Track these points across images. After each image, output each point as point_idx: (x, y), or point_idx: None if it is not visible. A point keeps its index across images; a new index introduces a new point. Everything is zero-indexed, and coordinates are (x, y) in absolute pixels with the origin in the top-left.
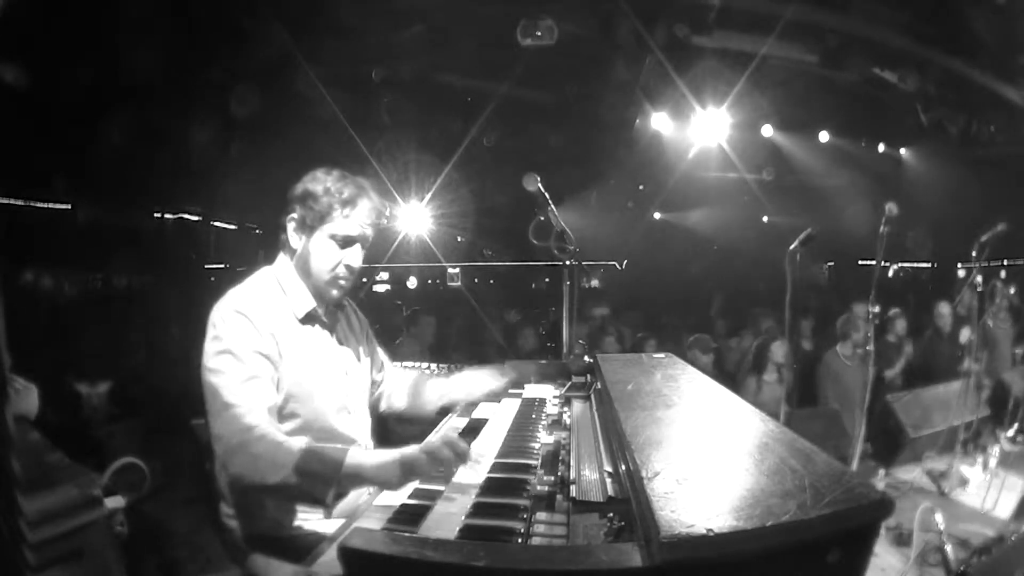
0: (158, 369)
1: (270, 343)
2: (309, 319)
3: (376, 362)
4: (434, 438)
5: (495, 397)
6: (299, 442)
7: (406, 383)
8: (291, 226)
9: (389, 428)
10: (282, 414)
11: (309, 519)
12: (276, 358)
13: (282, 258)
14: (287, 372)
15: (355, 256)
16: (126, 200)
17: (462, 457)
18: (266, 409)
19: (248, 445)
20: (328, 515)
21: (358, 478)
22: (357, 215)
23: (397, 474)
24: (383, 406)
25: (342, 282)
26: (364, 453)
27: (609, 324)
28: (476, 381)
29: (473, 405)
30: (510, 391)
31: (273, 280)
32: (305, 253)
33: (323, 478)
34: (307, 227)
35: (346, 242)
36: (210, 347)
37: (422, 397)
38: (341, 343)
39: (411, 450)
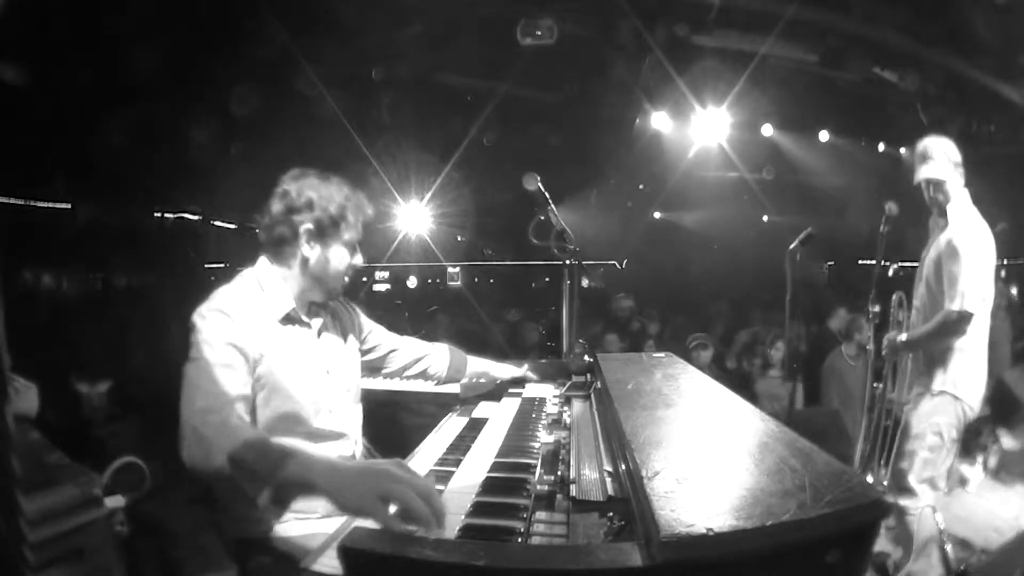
0: (158, 369)
1: (246, 339)
2: (288, 319)
3: (377, 338)
4: (416, 480)
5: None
6: (247, 432)
7: (443, 353)
8: (304, 236)
9: (382, 425)
10: (263, 413)
11: (305, 519)
12: (252, 354)
13: (263, 260)
14: (266, 372)
15: (360, 256)
16: (126, 200)
17: (436, 517)
18: (235, 397)
19: (201, 428)
20: (275, 518)
21: (306, 487)
22: (363, 220)
23: (358, 500)
24: (413, 372)
25: (347, 279)
26: (318, 460)
27: (635, 317)
28: (506, 368)
29: (473, 404)
30: (510, 391)
31: (254, 281)
32: (323, 262)
33: (257, 475)
34: (324, 237)
35: (356, 246)
36: (192, 342)
37: (462, 371)
38: (323, 342)
39: (385, 478)
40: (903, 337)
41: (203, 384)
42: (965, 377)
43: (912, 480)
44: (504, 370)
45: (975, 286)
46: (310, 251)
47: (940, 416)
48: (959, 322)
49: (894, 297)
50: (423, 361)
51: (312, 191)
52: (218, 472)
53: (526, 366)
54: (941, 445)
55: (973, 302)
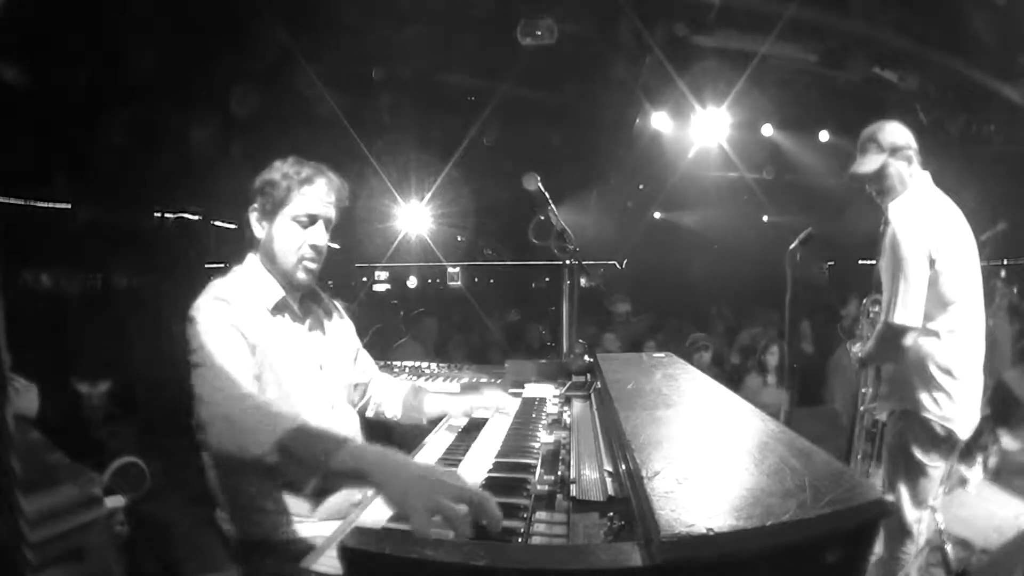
0: (158, 369)
1: (245, 324)
2: (279, 309)
3: (361, 364)
4: (473, 494)
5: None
6: (292, 419)
7: (400, 393)
8: (253, 217)
9: (380, 425)
10: None
11: (304, 521)
12: (250, 339)
13: (250, 256)
14: (260, 361)
15: (318, 235)
16: (126, 200)
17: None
18: (253, 379)
19: (234, 413)
20: (311, 511)
21: (356, 478)
22: (315, 192)
23: (408, 501)
24: (371, 412)
25: (308, 263)
26: (370, 450)
27: (630, 319)
28: (479, 400)
29: None
30: (510, 391)
31: (243, 276)
32: (269, 239)
33: (306, 464)
34: (268, 213)
35: (308, 221)
36: (192, 333)
37: (420, 410)
38: (315, 338)
39: (443, 492)
40: (857, 351)
41: (222, 364)
42: (930, 392)
43: (909, 510)
44: (462, 404)
45: (914, 295)
46: (260, 230)
47: (906, 437)
48: (896, 335)
49: (865, 300)
50: (382, 405)
51: (265, 174)
52: (256, 461)
53: (508, 377)
54: (922, 469)
55: (910, 314)
